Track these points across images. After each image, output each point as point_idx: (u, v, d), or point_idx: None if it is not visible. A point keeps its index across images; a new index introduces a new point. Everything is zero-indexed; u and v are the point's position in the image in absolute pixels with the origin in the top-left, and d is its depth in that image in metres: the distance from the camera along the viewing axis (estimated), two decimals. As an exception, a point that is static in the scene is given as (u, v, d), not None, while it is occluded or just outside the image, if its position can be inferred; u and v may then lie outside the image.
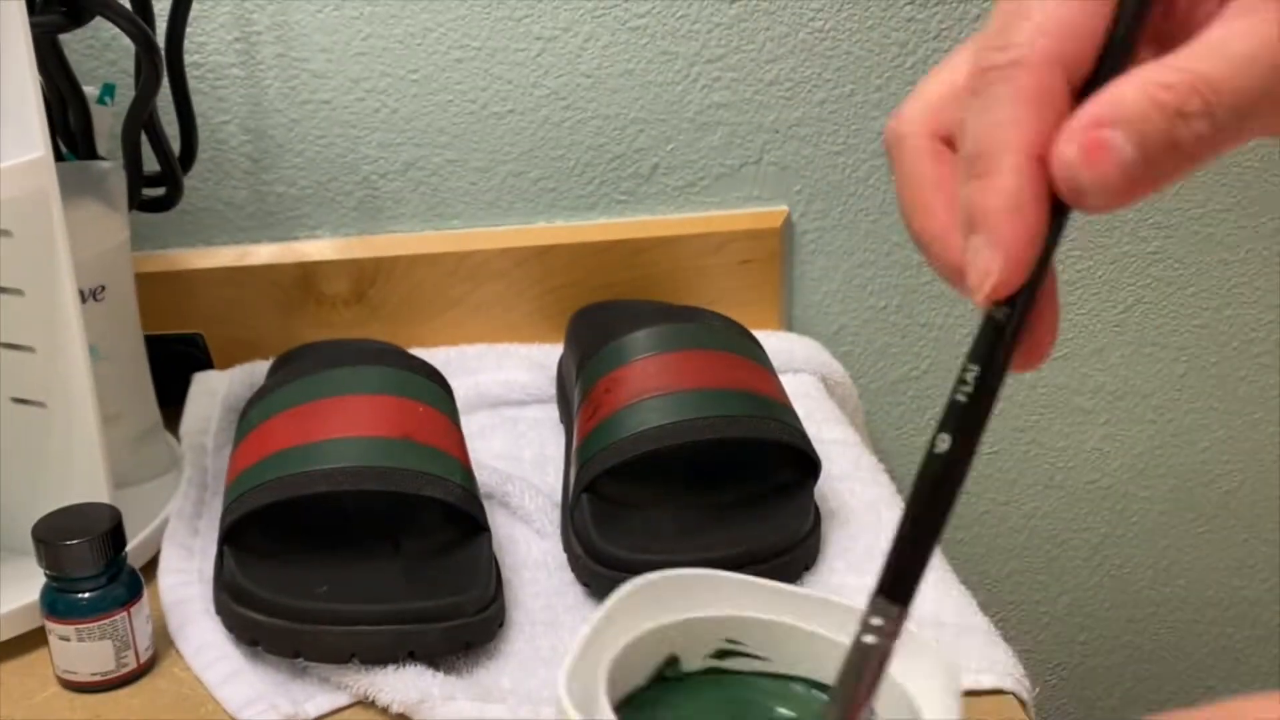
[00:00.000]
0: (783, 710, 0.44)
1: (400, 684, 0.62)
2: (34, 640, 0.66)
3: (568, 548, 0.72)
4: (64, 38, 0.74)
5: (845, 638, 0.36)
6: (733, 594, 0.44)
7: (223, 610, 0.65)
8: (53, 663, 0.64)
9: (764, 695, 0.44)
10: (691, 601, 0.44)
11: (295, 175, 0.94)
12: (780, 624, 0.44)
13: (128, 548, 0.64)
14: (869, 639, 0.35)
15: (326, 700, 0.63)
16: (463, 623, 0.64)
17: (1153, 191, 0.31)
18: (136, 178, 0.77)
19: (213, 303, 0.92)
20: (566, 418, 0.84)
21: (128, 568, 0.64)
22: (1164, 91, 0.30)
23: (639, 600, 0.43)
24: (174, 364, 0.87)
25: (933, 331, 1.08)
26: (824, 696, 0.44)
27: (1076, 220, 0.34)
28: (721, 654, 0.45)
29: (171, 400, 0.83)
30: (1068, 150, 0.31)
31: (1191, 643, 1.21)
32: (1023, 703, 0.63)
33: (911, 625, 0.36)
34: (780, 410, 0.75)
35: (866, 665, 0.35)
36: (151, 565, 0.71)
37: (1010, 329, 0.33)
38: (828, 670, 0.41)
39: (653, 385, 0.73)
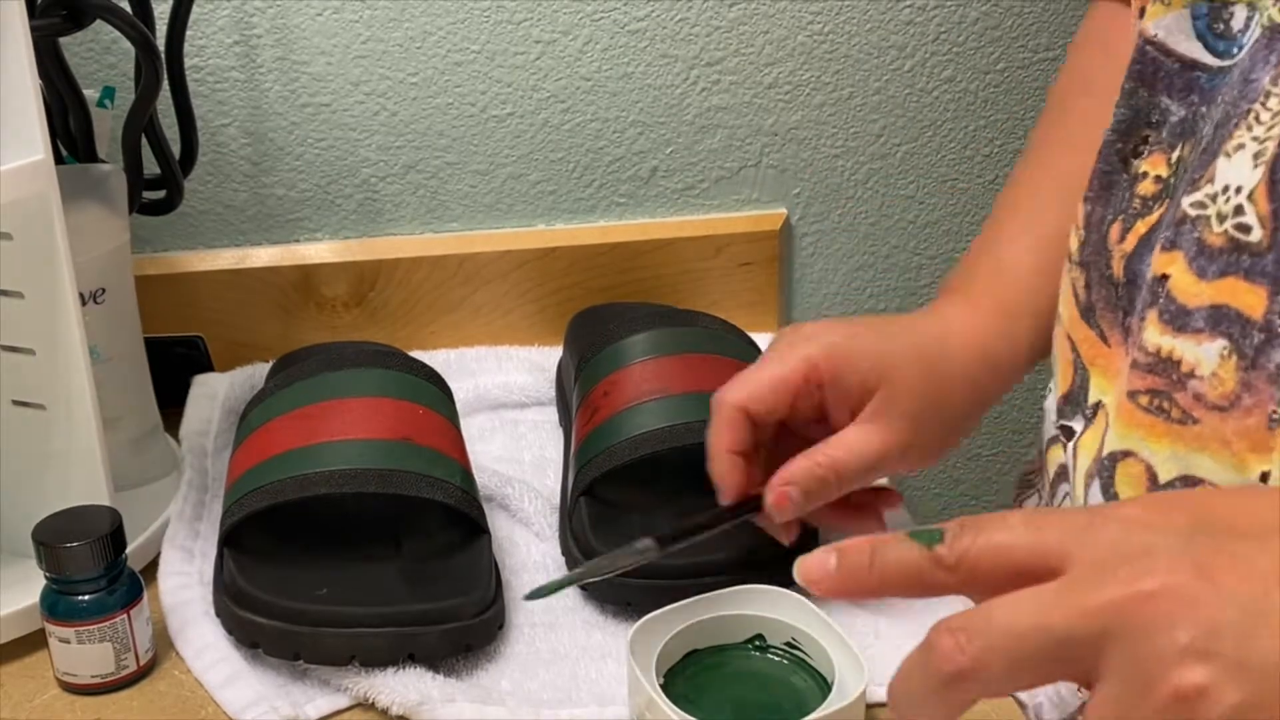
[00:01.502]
0: (798, 681, 0.62)
1: (400, 686, 0.62)
2: (34, 642, 0.66)
3: (566, 551, 0.72)
4: (64, 41, 0.74)
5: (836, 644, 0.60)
6: (801, 609, 0.63)
7: (223, 613, 0.65)
8: (53, 665, 0.65)
9: (792, 672, 0.63)
10: (773, 606, 0.63)
11: (295, 178, 0.94)
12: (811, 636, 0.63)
13: (128, 550, 0.64)
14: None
15: (327, 702, 0.63)
16: (462, 625, 0.64)
17: (810, 509, 0.61)
18: (137, 181, 0.77)
19: (213, 305, 0.92)
20: (566, 420, 0.84)
21: (128, 570, 0.64)
22: (817, 465, 0.60)
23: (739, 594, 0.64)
24: (174, 366, 0.87)
25: (931, 334, 1.08)
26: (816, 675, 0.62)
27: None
28: (790, 644, 0.63)
29: (171, 402, 0.83)
30: (769, 496, 0.60)
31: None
32: (1021, 705, 0.63)
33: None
34: (779, 413, 0.75)
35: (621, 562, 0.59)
36: (152, 567, 0.71)
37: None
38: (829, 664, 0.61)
39: (650, 388, 0.73)
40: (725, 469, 0.61)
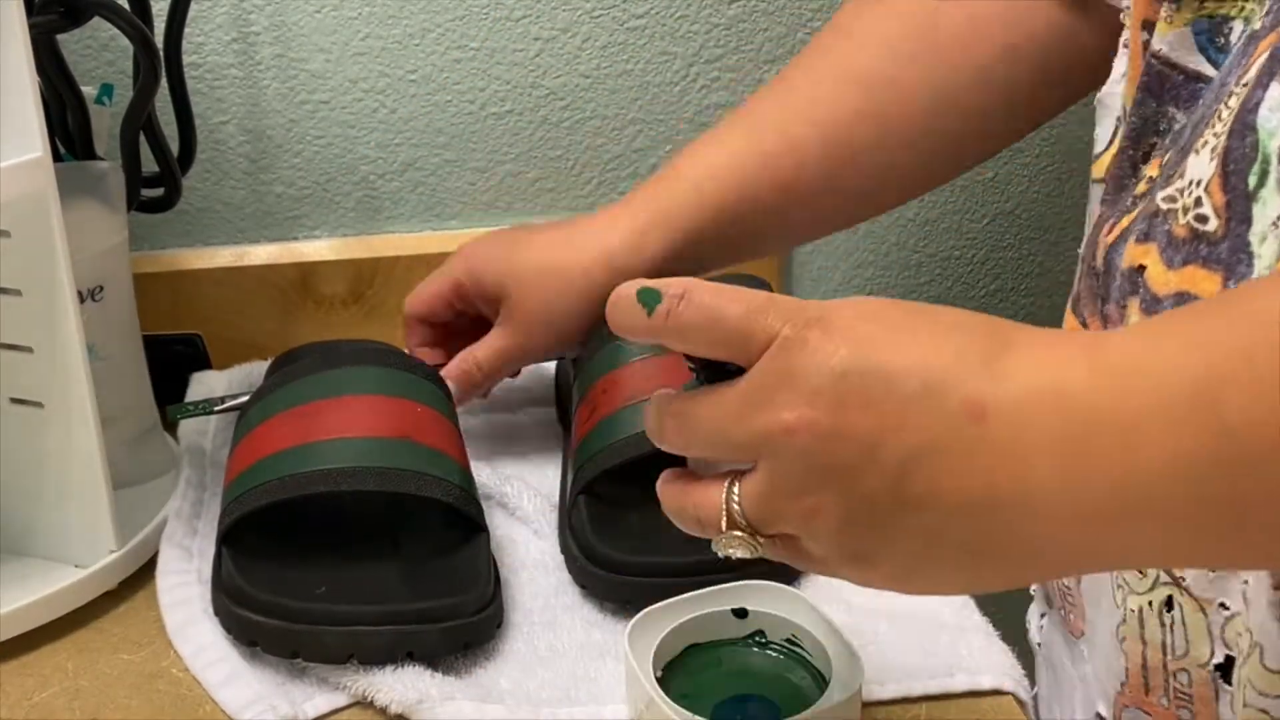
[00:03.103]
0: (795, 677, 0.62)
1: (399, 684, 0.62)
2: (33, 640, 0.66)
3: (565, 550, 0.72)
4: (62, 38, 0.74)
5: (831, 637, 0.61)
6: (801, 606, 0.63)
7: (221, 611, 0.65)
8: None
9: (789, 669, 0.62)
10: (779, 604, 0.63)
11: (294, 176, 0.93)
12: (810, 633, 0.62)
13: (125, 548, 0.64)
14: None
15: (325, 701, 0.63)
16: (461, 623, 0.64)
17: (476, 394, 0.79)
18: (135, 178, 0.77)
19: (211, 303, 0.92)
20: (564, 418, 0.84)
21: None
22: (464, 363, 0.77)
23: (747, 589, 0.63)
24: (172, 364, 0.87)
25: (931, 332, 1.08)
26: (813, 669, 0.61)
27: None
28: (790, 641, 0.63)
29: (170, 400, 0.83)
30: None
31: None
32: (1021, 703, 0.63)
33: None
34: (779, 411, 0.75)
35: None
36: (150, 566, 0.71)
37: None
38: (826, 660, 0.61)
39: (650, 386, 0.73)
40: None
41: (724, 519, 0.46)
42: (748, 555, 0.46)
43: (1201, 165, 0.51)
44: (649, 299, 0.46)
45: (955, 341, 0.43)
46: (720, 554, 0.47)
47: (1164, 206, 0.53)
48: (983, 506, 0.41)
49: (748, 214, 0.74)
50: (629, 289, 0.46)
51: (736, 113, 0.76)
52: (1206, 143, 0.51)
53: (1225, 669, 0.53)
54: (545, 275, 0.74)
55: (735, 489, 0.46)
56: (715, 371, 0.46)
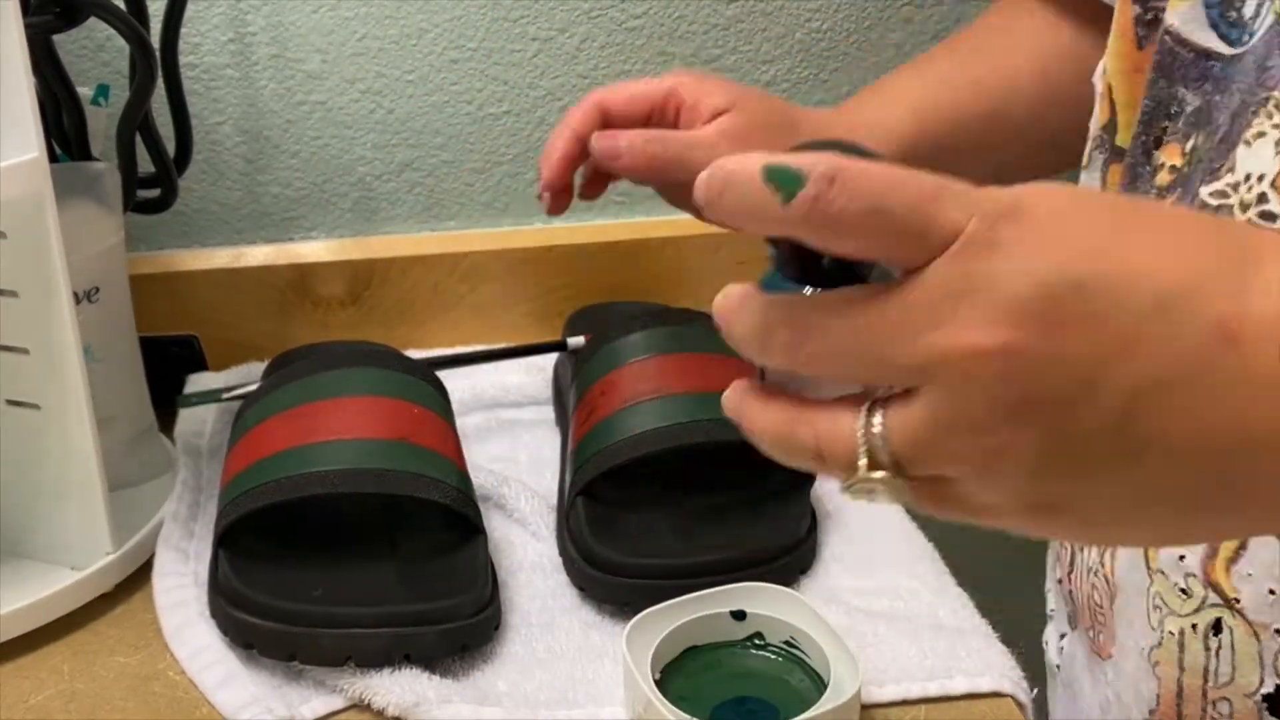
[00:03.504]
0: (794, 679, 0.62)
1: (396, 687, 0.61)
2: (32, 641, 0.66)
3: (563, 551, 0.72)
4: (58, 38, 0.74)
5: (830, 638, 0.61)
6: (799, 608, 0.63)
7: (218, 614, 0.65)
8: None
9: (788, 671, 0.63)
10: (778, 606, 0.63)
11: (290, 176, 0.93)
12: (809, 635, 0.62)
13: (121, 550, 0.64)
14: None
15: (322, 703, 0.63)
16: (459, 625, 0.64)
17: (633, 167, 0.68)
18: (131, 179, 0.77)
19: (208, 304, 0.92)
20: (562, 420, 0.84)
21: None
22: (648, 133, 0.68)
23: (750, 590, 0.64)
24: (169, 366, 0.87)
25: (929, 333, 1.08)
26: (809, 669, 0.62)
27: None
28: (789, 643, 0.63)
29: (166, 402, 0.83)
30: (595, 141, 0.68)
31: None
32: (1020, 705, 0.63)
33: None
34: (777, 412, 0.75)
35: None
36: (146, 568, 0.71)
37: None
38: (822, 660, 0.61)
39: (648, 388, 0.73)
40: (561, 142, 0.69)
41: (863, 456, 0.36)
42: (887, 501, 0.37)
43: (1259, 158, 0.47)
44: (786, 180, 0.35)
45: (1194, 245, 0.34)
46: (851, 498, 0.37)
47: (1212, 202, 0.49)
48: (1228, 450, 0.34)
49: (959, 138, 0.73)
50: (747, 163, 0.35)
51: (914, 67, 0.77)
52: (1263, 133, 0.47)
53: (1274, 700, 0.51)
54: (779, 111, 0.71)
55: (877, 419, 0.36)
56: (814, 269, 0.37)
